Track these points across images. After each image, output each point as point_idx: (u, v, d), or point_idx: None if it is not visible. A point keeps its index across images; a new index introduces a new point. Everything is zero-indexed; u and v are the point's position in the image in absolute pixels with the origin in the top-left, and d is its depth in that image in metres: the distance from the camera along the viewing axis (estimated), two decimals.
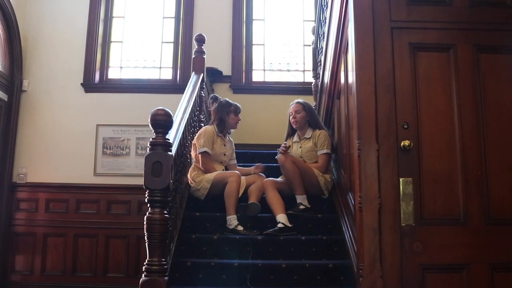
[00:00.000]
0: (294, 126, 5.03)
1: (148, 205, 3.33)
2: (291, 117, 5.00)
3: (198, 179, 4.77)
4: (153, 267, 3.28)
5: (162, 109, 3.35)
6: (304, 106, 4.97)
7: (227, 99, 5.17)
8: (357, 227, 3.22)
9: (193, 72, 5.73)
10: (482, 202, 3.10)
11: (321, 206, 4.76)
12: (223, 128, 5.04)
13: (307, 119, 4.97)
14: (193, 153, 4.98)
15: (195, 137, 4.98)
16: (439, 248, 3.05)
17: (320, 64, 5.61)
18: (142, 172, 3.25)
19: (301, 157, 4.92)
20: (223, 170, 4.97)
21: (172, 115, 3.44)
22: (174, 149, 3.63)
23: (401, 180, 3.11)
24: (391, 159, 3.13)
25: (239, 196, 4.62)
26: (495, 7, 3.38)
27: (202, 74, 5.74)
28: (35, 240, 6.93)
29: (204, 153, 4.84)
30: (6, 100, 7.00)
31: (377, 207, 3.06)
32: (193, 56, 6.00)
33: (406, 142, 3.13)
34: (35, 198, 7.03)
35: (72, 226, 6.92)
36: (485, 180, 3.14)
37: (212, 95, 5.60)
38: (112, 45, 7.81)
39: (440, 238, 3.07)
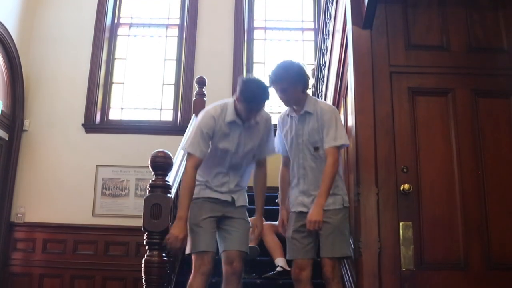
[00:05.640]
0: None
1: (147, 247, 3.31)
2: None
3: None
4: None
5: (162, 152, 3.36)
6: None
7: None
8: (356, 271, 3.20)
9: (194, 114, 5.74)
10: (482, 247, 3.09)
11: None
12: None
13: None
14: None
15: None
16: None
17: None
18: (141, 213, 3.24)
19: None
20: None
21: (172, 157, 3.44)
22: (173, 191, 3.63)
23: (401, 224, 3.10)
24: (390, 203, 3.13)
25: None
26: (492, 52, 3.44)
27: None
28: (31, 280, 6.83)
29: None
30: (7, 139, 7.02)
31: (377, 251, 3.05)
32: (194, 98, 6.04)
33: (406, 186, 3.13)
34: (32, 238, 6.97)
35: (69, 267, 6.84)
36: (485, 224, 3.14)
37: None
38: (114, 86, 7.87)
39: (441, 283, 3.05)
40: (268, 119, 3.58)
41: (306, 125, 3.36)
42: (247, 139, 3.44)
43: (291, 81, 3.34)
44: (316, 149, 3.31)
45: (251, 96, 3.26)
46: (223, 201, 3.45)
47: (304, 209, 3.31)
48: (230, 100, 3.44)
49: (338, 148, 3.25)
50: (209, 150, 3.40)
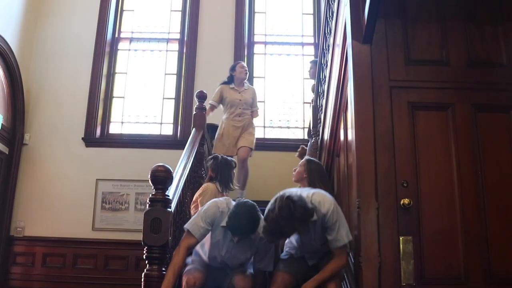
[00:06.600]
0: (293, 179, 4.75)
1: (146, 261, 3.30)
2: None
3: None
4: None
5: (162, 166, 3.35)
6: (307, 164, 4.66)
7: (223, 155, 5.02)
8: (357, 286, 3.18)
9: (194, 128, 5.74)
10: (482, 261, 3.08)
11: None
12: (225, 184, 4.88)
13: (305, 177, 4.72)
14: (193, 211, 4.79)
15: (197, 194, 4.68)
16: None
17: (320, 122, 5.64)
18: (141, 227, 3.23)
19: None
20: None
21: (172, 171, 3.43)
22: (173, 205, 3.61)
23: (401, 238, 3.09)
24: (390, 217, 3.12)
25: None
26: (491, 67, 3.44)
27: (202, 130, 5.76)
28: None
29: None
30: (7, 153, 7.03)
31: (377, 266, 3.04)
32: (194, 112, 6.04)
33: (406, 201, 3.13)
34: (32, 252, 6.95)
35: (68, 281, 6.81)
36: (486, 239, 3.13)
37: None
38: (114, 100, 7.91)
39: None
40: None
41: (312, 232, 3.18)
42: (236, 252, 3.30)
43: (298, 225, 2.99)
44: (323, 244, 3.22)
45: (235, 229, 3.12)
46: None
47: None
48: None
49: None
50: (208, 234, 3.30)
